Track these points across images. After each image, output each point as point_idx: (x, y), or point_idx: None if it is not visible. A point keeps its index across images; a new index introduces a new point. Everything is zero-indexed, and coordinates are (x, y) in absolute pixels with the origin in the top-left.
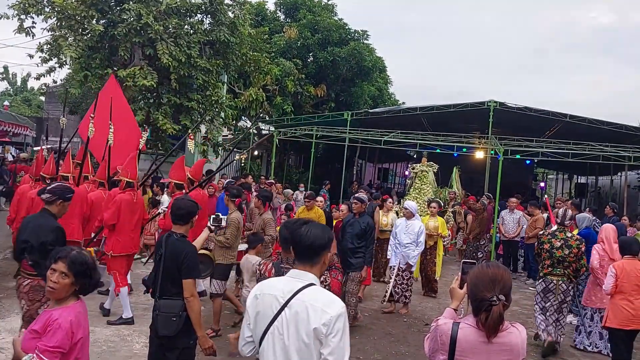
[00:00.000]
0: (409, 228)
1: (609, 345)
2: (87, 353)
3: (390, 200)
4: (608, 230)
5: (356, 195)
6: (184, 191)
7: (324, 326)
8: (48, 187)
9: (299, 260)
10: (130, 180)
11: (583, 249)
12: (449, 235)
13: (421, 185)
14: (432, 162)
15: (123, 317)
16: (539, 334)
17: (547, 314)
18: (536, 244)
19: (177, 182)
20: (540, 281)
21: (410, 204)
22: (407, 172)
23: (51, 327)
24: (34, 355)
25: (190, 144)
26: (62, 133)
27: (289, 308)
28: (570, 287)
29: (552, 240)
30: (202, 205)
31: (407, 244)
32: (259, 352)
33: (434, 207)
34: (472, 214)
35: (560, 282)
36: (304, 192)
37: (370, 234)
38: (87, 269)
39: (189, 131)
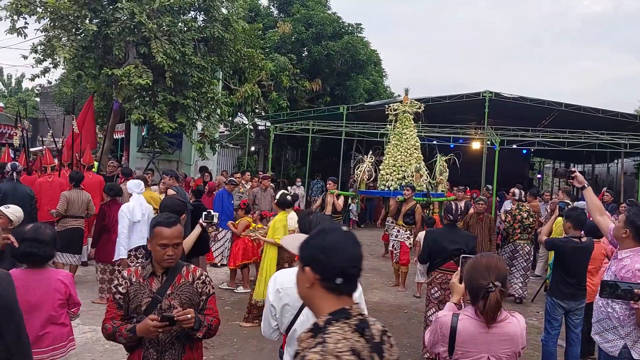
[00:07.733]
0: None
1: None
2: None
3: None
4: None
5: None
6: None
7: None
8: None
9: None
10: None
11: (540, 219)
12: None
13: (402, 129)
14: (415, 101)
15: None
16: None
17: (514, 273)
18: (509, 216)
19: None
20: (509, 244)
21: (130, 184)
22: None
23: None
24: None
25: None
26: (24, 133)
27: None
28: (531, 249)
29: (522, 212)
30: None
31: None
32: (288, 338)
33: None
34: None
35: (525, 244)
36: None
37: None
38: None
39: (186, 129)
